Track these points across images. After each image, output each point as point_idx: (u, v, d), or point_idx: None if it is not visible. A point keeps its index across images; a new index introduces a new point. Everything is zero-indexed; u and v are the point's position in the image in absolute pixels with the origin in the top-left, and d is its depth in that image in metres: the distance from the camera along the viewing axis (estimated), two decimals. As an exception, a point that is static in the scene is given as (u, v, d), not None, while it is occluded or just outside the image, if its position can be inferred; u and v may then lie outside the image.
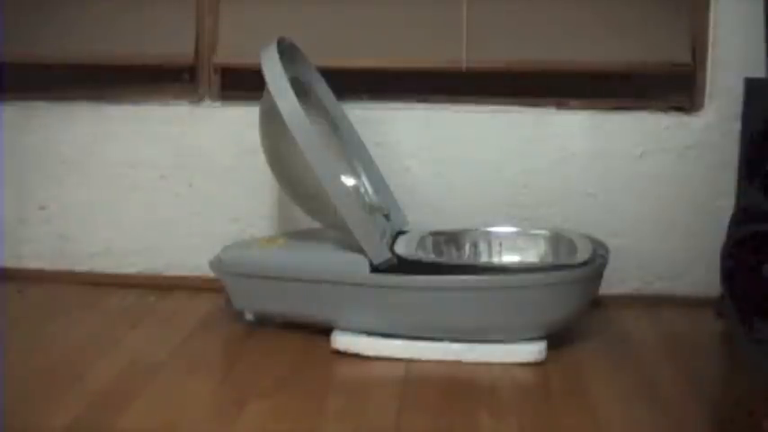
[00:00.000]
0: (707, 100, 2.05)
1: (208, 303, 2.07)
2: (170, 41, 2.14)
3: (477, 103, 2.10)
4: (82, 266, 2.22)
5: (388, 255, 1.79)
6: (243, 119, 2.10)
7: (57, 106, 2.19)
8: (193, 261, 2.15)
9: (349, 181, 2.00)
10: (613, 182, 2.08)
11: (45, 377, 1.70)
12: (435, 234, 1.98)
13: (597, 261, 1.83)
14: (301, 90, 1.95)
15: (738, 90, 2.00)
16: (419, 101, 2.11)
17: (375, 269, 1.78)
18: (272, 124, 1.79)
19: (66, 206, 2.21)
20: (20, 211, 2.22)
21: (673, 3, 2.04)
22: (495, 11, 2.06)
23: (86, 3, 2.15)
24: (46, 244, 2.23)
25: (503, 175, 2.10)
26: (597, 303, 1.97)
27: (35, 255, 2.24)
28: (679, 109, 2.06)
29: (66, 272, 2.23)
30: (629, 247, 2.07)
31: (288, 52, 1.89)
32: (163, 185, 2.18)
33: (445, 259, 1.96)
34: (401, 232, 1.98)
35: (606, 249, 1.90)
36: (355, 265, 1.79)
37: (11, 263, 2.23)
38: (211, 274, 1.94)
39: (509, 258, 1.97)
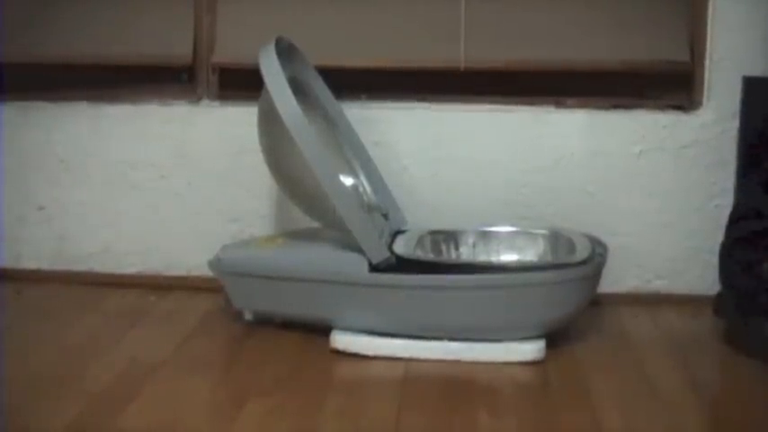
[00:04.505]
0: (705, 98, 2.05)
1: (207, 303, 2.07)
2: (168, 41, 2.13)
3: (475, 102, 2.10)
4: (81, 266, 2.22)
5: (387, 254, 1.79)
6: (241, 118, 2.09)
7: (55, 106, 2.18)
8: (192, 261, 2.15)
9: (347, 180, 2.00)
10: (612, 180, 2.08)
11: (44, 377, 1.70)
12: (434, 233, 1.98)
13: (596, 260, 1.83)
14: (299, 89, 1.95)
15: (737, 88, 2.02)
16: (418, 100, 2.11)
17: (374, 268, 1.78)
18: (271, 124, 1.79)
19: (65, 206, 2.21)
20: (18, 210, 2.22)
21: (671, 1, 2.04)
22: (492, 10, 2.05)
23: (85, 3, 2.15)
24: (45, 244, 2.23)
25: (501, 175, 2.10)
26: (596, 302, 1.97)
27: (34, 255, 2.24)
28: (677, 107, 2.06)
29: (64, 272, 2.22)
30: (628, 245, 2.07)
31: (286, 52, 1.89)
32: (162, 185, 2.18)
33: (444, 258, 1.96)
34: (400, 232, 1.98)
35: (605, 248, 1.90)
36: (354, 265, 1.79)
37: (9, 263, 2.23)
38: (210, 273, 1.94)
39: (507, 257, 1.97)
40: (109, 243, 2.21)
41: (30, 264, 2.24)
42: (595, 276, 1.84)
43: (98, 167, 2.19)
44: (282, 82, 1.73)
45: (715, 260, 1.90)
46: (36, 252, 2.24)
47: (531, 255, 1.96)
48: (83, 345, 1.86)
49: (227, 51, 2.13)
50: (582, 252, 1.82)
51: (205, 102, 2.17)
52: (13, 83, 2.18)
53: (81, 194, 2.20)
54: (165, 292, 2.16)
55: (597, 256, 1.85)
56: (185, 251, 2.18)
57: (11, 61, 2.16)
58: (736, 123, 2.03)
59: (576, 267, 1.79)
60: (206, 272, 1.96)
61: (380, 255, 1.78)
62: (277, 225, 2.15)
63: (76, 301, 2.12)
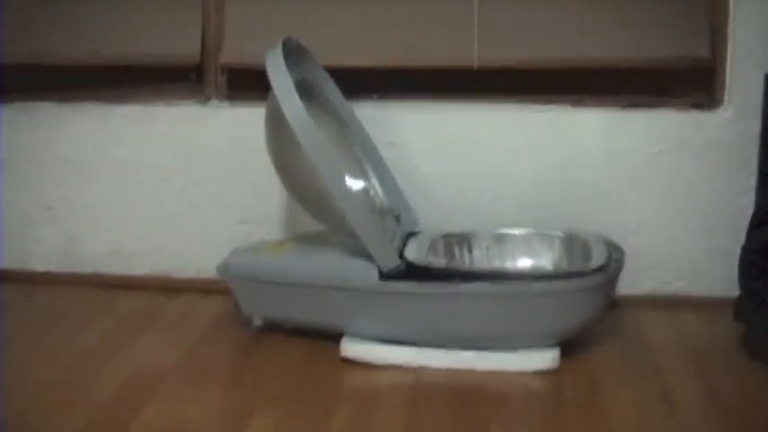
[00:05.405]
0: (726, 96, 2.00)
1: (216, 306, 2.04)
2: (176, 41, 2.10)
3: (489, 101, 2.05)
4: (89, 268, 2.20)
5: (398, 261, 1.75)
6: (250, 119, 2.04)
7: (63, 107, 2.16)
8: (202, 263, 2.12)
9: (358, 183, 1.96)
10: (630, 180, 2.03)
11: (53, 384, 1.69)
12: (447, 236, 1.94)
13: (612, 266, 1.78)
14: (309, 91, 1.91)
15: (759, 86, 1.95)
16: (431, 99, 2.06)
17: (384, 276, 1.75)
18: (278, 128, 1.75)
19: (73, 207, 2.19)
20: (26, 212, 2.20)
21: (691, -4, 1.98)
22: (506, 8, 2.00)
23: (91, 3, 2.11)
24: (53, 245, 2.21)
25: (516, 174, 2.05)
26: (613, 304, 1.92)
27: (42, 256, 2.22)
28: (697, 106, 2.01)
29: (73, 274, 2.21)
30: (646, 246, 2.02)
31: (295, 52, 1.85)
32: (170, 186, 2.15)
33: (456, 265, 1.91)
34: (412, 233, 1.95)
35: (621, 252, 1.85)
36: (364, 272, 1.75)
37: (18, 265, 2.22)
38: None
39: (522, 263, 1.93)
40: (117, 244, 2.19)
41: (38, 265, 2.22)
42: (611, 284, 1.80)
43: (106, 168, 2.17)
44: (289, 85, 1.69)
45: (735, 261, 1.86)
46: (45, 253, 2.22)
47: (546, 259, 1.92)
48: (91, 351, 1.84)
49: (235, 52, 2.09)
50: (598, 258, 1.78)
51: (214, 102, 2.13)
52: (20, 83, 2.16)
53: (89, 195, 2.18)
54: (174, 294, 2.14)
55: (614, 262, 1.80)
56: (194, 253, 2.16)
57: (18, 62, 2.13)
58: (758, 122, 1.97)
59: (592, 275, 1.74)
60: (215, 274, 1.93)
61: (390, 262, 1.74)
62: (287, 227, 2.12)
63: (85, 305, 2.10)
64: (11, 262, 2.22)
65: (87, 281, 2.19)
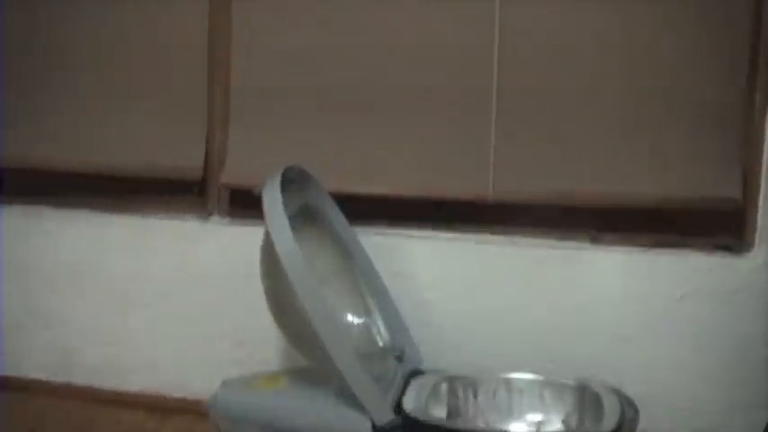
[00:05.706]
0: (758, 239, 1.87)
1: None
2: (179, 155, 2.04)
3: (503, 234, 1.95)
4: (83, 380, 2.13)
5: (391, 416, 1.64)
6: (251, 238, 1.93)
7: (61, 213, 2.11)
8: (196, 383, 2.03)
9: (358, 319, 1.86)
10: (649, 326, 1.91)
11: None
12: (451, 379, 1.82)
13: (625, 428, 1.65)
14: (312, 216, 1.83)
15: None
16: (442, 230, 1.96)
17: (378, 430, 1.63)
18: (272, 265, 1.66)
19: (69, 316, 2.13)
20: (21, 319, 2.15)
21: (722, 133, 1.85)
22: (524, 141, 1.89)
23: (98, 113, 2.07)
24: (47, 354, 2.15)
25: (529, 314, 1.94)
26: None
27: (36, 365, 2.15)
28: (725, 248, 1.88)
29: (66, 385, 2.14)
30: (664, 395, 1.90)
31: (298, 178, 1.77)
32: (167, 302, 2.08)
33: (456, 423, 1.78)
34: (415, 372, 1.83)
35: (635, 410, 1.72)
36: (356, 424, 1.64)
37: (12, 372, 2.15)
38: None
39: (531, 417, 1.80)
40: (111, 358, 2.12)
41: (31, 373, 2.15)
42: (623, 449, 1.67)
43: (102, 279, 2.11)
44: (283, 222, 1.62)
45: (759, 413, 1.73)
46: (38, 362, 2.15)
47: (555, 414, 1.79)
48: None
49: (238, 172, 2.02)
50: (610, 417, 1.65)
51: (215, 218, 2.06)
52: (20, 188, 2.12)
53: (85, 306, 2.12)
54: (165, 415, 2.05)
55: (627, 423, 1.67)
56: (188, 373, 2.08)
57: (20, 167, 2.09)
58: (790, 267, 1.85)
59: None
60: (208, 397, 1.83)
61: (384, 416, 1.63)
62: (284, 352, 2.02)
63: (73, 421, 2.01)
64: (5, 368, 2.15)
65: (81, 393, 2.12)
